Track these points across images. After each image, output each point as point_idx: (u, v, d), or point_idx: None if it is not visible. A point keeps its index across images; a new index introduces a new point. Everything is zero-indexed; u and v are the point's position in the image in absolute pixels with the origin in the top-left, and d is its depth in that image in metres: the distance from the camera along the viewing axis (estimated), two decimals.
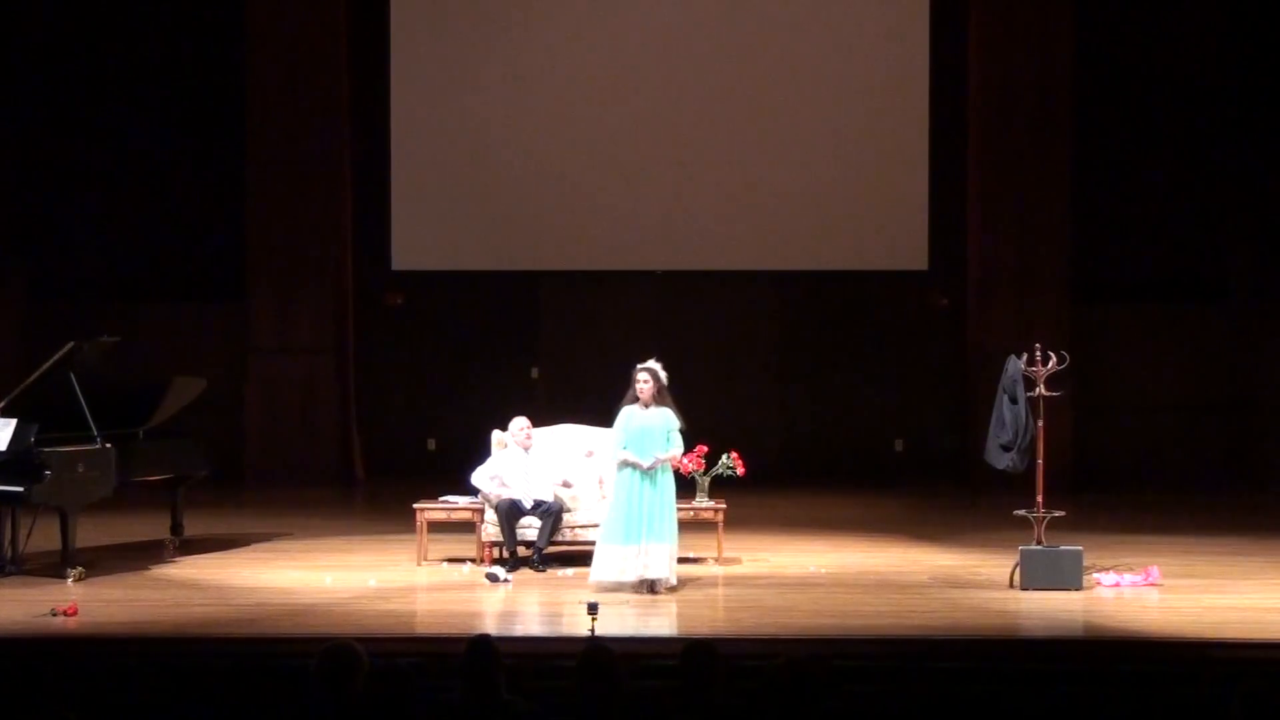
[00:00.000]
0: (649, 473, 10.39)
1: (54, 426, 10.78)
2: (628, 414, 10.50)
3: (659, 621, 9.71)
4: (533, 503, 11.27)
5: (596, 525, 11.38)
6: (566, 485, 11.45)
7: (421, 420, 17.73)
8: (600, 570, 10.37)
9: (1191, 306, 17.47)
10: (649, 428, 10.43)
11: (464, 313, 17.81)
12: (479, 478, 11.46)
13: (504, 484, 11.36)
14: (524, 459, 11.42)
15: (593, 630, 8.34)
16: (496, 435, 11.70)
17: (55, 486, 10.58)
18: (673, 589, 10.39)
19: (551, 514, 11.26)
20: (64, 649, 8.84)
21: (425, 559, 11.49)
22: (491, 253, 17.58)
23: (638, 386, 10.50)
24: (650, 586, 10.31)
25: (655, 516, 10.36)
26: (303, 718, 6.15)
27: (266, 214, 17.05)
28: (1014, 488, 11.82)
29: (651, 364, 10.61)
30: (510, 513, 11.21)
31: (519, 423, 11.56)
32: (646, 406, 10.47)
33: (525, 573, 11.04)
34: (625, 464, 10.43)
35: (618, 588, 10.28)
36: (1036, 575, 10.40)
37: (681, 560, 10.84)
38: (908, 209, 17.40)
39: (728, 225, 17.48)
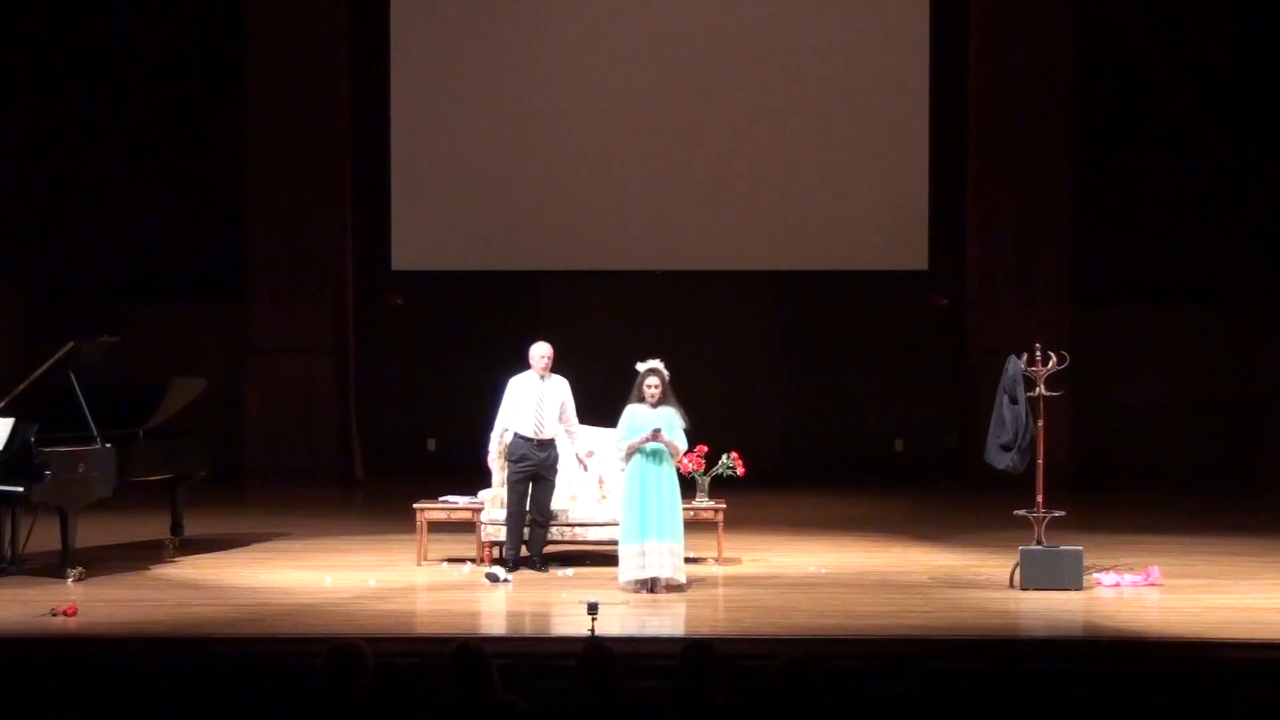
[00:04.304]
0: (657, 469, 10.36)
1: (54, 426, 10.78)
2: (633, 411, 10.51)
3: (659, 621, 9.70)
4: (538, 442, 11.15)
5: (596, 524, 11.42)
6: (589, 455, 11.38)
7: (421, 420, 17.74)
8: (627, 570, 10.36)
9: (1191, 307, 17.48)
10: (653, 426, 10.42)
11: (464, 313, 17.82)
12: (494, 434, 11.32)
13: (515, 409, 11.20)
14: (538, 384, 11.26)
15: (593, 630, 8.33)
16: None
17: (55, 486, 10.58)
18: (682, 588, 10.39)
19: (543, 526, 11.25)
20: (64, 649, 8.84)
21: (425, 559, 11.49)
22: (491, 253, 17.59)
23: (648, 390, 10.50)
24: (650, 586, 10.31)
25: (664, 514, 10.37)
26: (304, 717, 6.15)
27: (266, 214, 17.06)
28: (1014, 488, 11.82)
29: (655, 364, 10.61)
30: (520, 517, 11.16)
31: (541, 348, 11.33)
32: (655, 406, 10.48)
33: (525, 573, 11.03)
34: (631, 453, 10.40)
35: (641, 587, 10.30)
36: (1036, 575, 10.40)
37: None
38: (908, 209, 17.41)
39: (728, 225, 17.49)
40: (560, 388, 11.27)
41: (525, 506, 11.17)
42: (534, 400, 11.17)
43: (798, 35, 17.49)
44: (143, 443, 11.54)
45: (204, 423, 13.10)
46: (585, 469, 11.40)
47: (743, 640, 8.92)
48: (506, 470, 11.27)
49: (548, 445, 11.21)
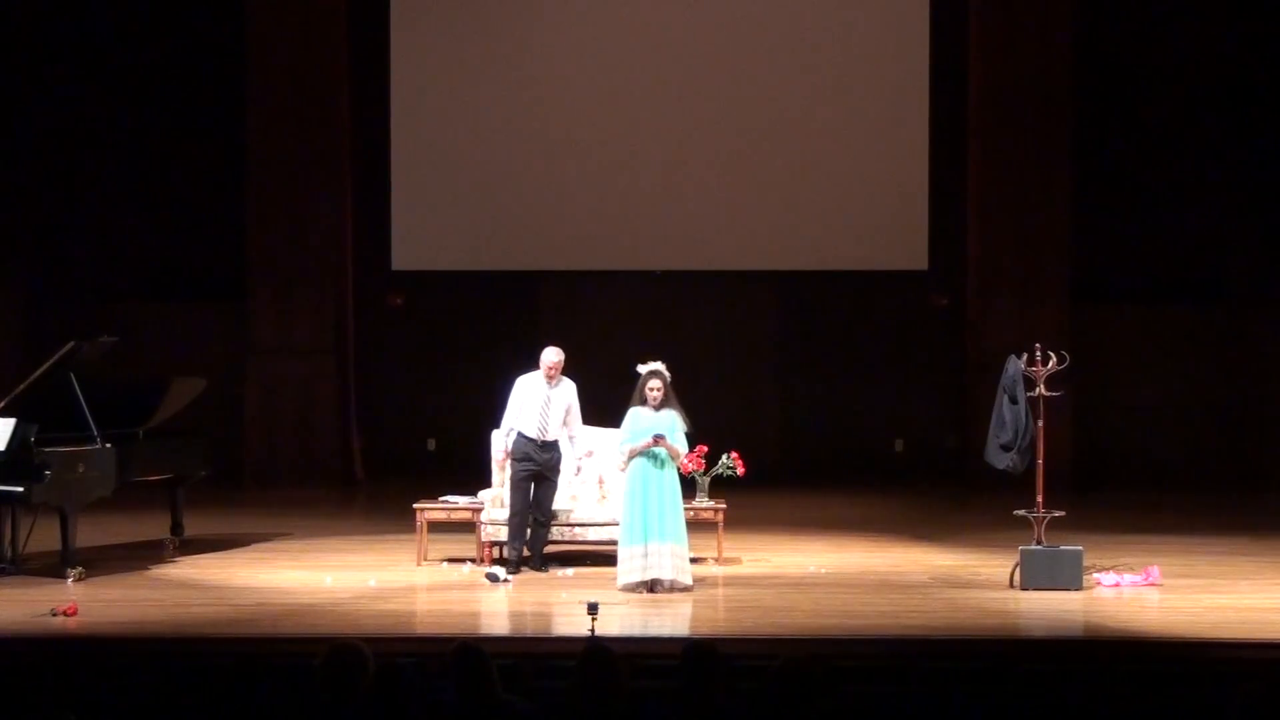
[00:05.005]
0: (658, 471, 10.37)
1: (54, 426, 10.78)
2: (636, 414, 10.52)
3: (659, 621, 9.71)
4: (541, 443, 11.14)
5: (596, 524, 11.42)
6: (589, 454, 11.37)
7: (421, 420, 17.74)
8: (626, 573, 10.37)
9: (1191, 307, 17.47)
10: (657, 429, 10.42)
11: (464, 313, 17.82)
12: (500, 433, 11.33)
13: (521, 410, 11.17)
14: (545, 388, 11.21)
15: (593, 630, 8.33)
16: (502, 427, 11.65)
17: (55, 486, 10.58)
18: (689, 589, 10.39)
19: (544, 526, 11.26)
20: (64, 649, 8.83)
21: (425, 559, 11.48)
22: (491, 253, 17.59)
23: (649, 393, 10.50)
24: (650, 587, 10.31)
25: (665, 516, 10.37)
26: (304, 717, 6.15)
27: (266, 214, 17.05)
28: (1014, 488, 11.82)
29: (657, 366, 10.62)
30: (523, 516, 11.13)
31: (552, 356, 11.22)
32: (657, 409, 10.48)
33: (525, 573, 11.03)
34: (634, 455, 10.41)
35: (640, 588, 10.30)
36: (1036, 575, 10.40)
37: None
38: (908, 209, 17.40)
39: (728, 225, 17.49)
40: (567, 392, 11.26)
41: (528, 505, 11.15)
42: (540, 403, 11.16)
43: (797, 35, 17.48)
44: (143, 443, 11.53)
45: (204, 423, 13.10)
46: (578, 472, 11.41)
47: (743, 640, 8.92)
48: (510, 469, 11.25)
49: (551, 447, 11.21)
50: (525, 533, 11.16)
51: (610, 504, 11.35)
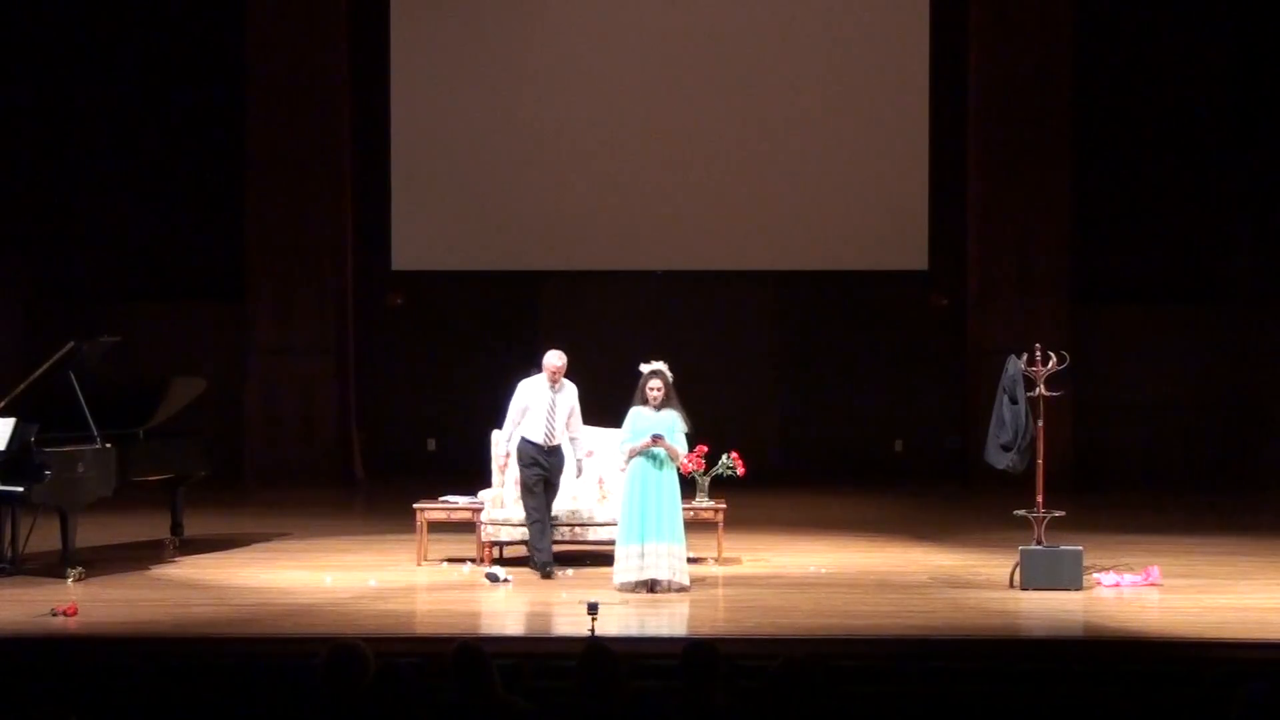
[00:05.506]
0: (657, 471, 10.37)
1: (54, 426, 10.78)
2: (637, 413, 10.52)
3: (659, 621, 9.71)
4: (547, 448, 11.08)
5: (596, 524, 11.41)
6: (589, 454, 11.36)
7: (421, 420, 17.74)
8: (622, 572, 10.37)
9: (1192, 307, 17.47)
10: (657, 429, 10.41)
11: (464, 313, 17.82)
12: (503, 436, 11.30)
13: (526, 415, 11.12)
14: (549, 392, 11.15)
15: (593, 630, 8.33)
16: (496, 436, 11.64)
17: (55, 486, 10.58)
18: (685, 589, 10.38)
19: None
20: (64, 649, 8.84)
21: (425, 559, 11.49)
22: (491, 253, 17.59)
23: (650, 392, 10.50)
24: (650, 587, 10.31)
25: (663, 516, 10.36)
26: (304, 717, 6.15)
27: (266, 214, 17.05)
28: (1014, 488, 11.82)
29: (658, 365, 10.62)
30: (544, 521, 11.07)
31: (557, 359, 11.13)
32: (658, 409, 10.48)
33: (526, 573, 11.02)
34: (633, 455, 10.41)
35: (640, 588, 10.31)
36: (1036, 575, 10.41)
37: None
38: (908, 209, 17.40)
39: (728, 225, 17.48)
40: (571, 395, 11.22)
41: (545, 508, 11.07)
42: (545, 408, 11.11)
43: (797, 35, 17.48)
44: (143, 443, 11.54)
45: (204, 423, 13.11)
46: (579, 474, 11.40)
47: (743, 640, 8.92)
48: (519, 475, 11.19)
49: (556, 451, 11.19)
50: (546, 535, 11.11)
51: (610, 504, 11.34)
